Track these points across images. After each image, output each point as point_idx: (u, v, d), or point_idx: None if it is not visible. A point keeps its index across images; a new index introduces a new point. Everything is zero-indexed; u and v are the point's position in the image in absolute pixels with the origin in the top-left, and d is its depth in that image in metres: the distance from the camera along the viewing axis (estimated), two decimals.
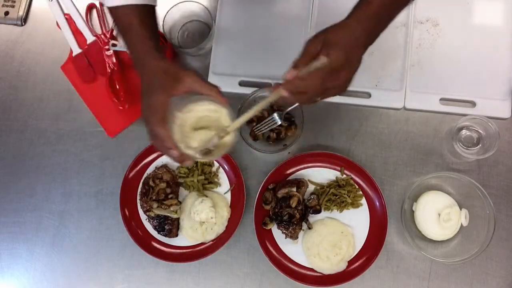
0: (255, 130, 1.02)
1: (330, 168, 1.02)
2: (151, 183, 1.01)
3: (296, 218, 0.97)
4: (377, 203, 1.00)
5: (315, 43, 0.71)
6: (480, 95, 1.04)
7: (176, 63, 0.79)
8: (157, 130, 0.76)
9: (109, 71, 1.08)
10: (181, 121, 0.78)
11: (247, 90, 1.05)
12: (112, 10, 0.82)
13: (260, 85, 1.07)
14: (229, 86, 1.07)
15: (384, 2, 0.73)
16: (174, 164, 1.05)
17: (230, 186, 1.04)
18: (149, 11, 0.83)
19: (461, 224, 0.96)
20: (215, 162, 1.04)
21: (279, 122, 1.01)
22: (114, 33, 1.11)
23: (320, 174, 1.02)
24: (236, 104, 1.04)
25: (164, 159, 1.05)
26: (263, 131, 1.02)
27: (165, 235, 1.00)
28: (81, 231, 1.05)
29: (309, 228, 1.00)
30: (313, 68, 0.70)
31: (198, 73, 0.79)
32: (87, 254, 1.04)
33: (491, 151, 0.96)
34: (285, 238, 0.99)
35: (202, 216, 0.98)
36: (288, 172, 1.03)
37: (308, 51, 0.71)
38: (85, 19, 1.12)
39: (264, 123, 1.01)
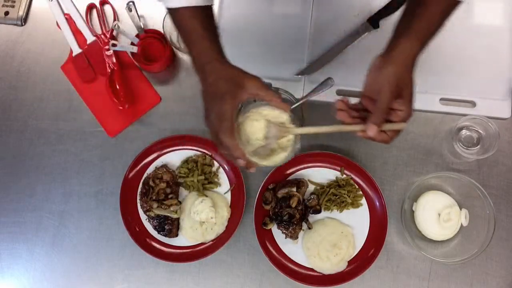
0: None
1: (330, 168, 1.02)
2: (151, 183, 1.01)
3: (296, 218, 0.97)
4: (377, 203, 1.00)
5: (390, 95, 0.71)
6: (480, 95, 1.04)
7: (240, 68, 0.77)
8: (225, 140, 0.74)
9: (109, 71, 1.08)
10: (247, 127, 0.79)
11: None
12: (171, 11, 0.80)
13: None
14: None
15: (437, 12, 0.73)
16: (174, 164, 1.05)
17: (230, 186, 1.04)
18: (208, 12, 0.81)
19: (461, 224, 0.97)
20: (215, 162, 1.04)
21: None
22: (114, 33, 1.11)
23: (320, 174, 1.03)
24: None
25: (164, 159, 1.05)
26: None
27: (165, 235, 1.00)
28: (81, 231, 1.05)
29: (309, 228, 1.00)
30: (394, 128, 0.73)
31: (260, 79, 0.77)
32: (87, 254, 1.04)
33: (491, 151, 0.96)
34: (285, 238, 0.99)
35: (202, 216, 0.98)
36: (288, 172, 1.03)
37: (386, 106, 0.72)
38: (85, 19, 1.12)
39: None
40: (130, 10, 1.07)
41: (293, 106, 1.00)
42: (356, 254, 0.99)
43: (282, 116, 0.79)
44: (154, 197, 1.00)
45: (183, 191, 1.04)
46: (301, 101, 0.99)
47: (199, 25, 0.78)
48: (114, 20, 1.12)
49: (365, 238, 0.99)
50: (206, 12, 0.80)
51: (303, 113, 1.00)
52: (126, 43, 1.08)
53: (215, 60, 0.77)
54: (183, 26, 0.80)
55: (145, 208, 1.01)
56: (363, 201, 1.01)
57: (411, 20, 0.73)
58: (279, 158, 0.81)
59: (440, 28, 0.75)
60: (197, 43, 0.78)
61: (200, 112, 1.08)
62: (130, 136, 1.08)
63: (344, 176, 1.02)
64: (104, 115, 1.09)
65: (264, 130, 0.78)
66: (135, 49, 1.06)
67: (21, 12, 1.15)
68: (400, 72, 0.72)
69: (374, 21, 1.07)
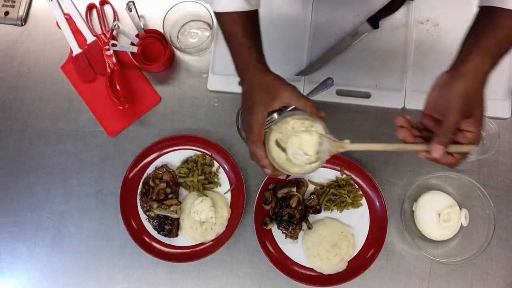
0: None
1: (330, 168, 1.02)
2: (151, 183, 1.01)
3: (296, 218, 0.97)
4: (377, 203, 1.00)
5: (458, 114, 0.65)
6: None
7: (277, 76, 0.78)
8: (253, 149, 0.75)
9: (109, 71, 1.08)
10: (277, 135, 0.77)
11: None
12: (217, 15, 0.80)
13: None
14: (229, 86, 1.07)
15: (510, 26, 0.67)
16: (174, 164, 1.05)
17: (230, 186, 1.04)
18: (253, 17, 0.80)
19: (461, 224, 0.97)
20: (215, 162, 1.04)
21: None
22: (114, 33, 1.11)
23: (320, 174, 1.02)
24: (236, 104, 1.04)
25: (164, 159, 1.05)
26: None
27: (165, 235, 1.00)
28: (81, 231, 1.05)
29: (309, 228, 1.00)
30: (461, 151, 0.68)
31: (295, 88, 0.77)
32: (87, 254, 1.04)
33: (491, 151, 0.96)
34: (285, 238, 0.99)
35: (202, 216, 0.98)
36: None
37: (453, 126, 0.66)
38: (85, 19, 1.12)
39: None
40: (130, 10, 1.07)
41: (293, 106, 1.00)
42: (356, 254, 0.99)
43: (316, 125, 0.76)
44: (154, 197, 1.00)
45: (183, 191, 1.04)
46: None
47: (241, 31, 0.78)
48: (114, 20, 1.12)
49: (365, 238, 0.99)
50: (250, 17, 0.79)
51: None
52: (126, 43, 1.08)
53: (252, 68, 0.77)
54: (225, 31, 0.80)
55: (145, 208, 1.01)
56: (363, 201, 1.01)
57: (481, 35, 0.68)
58: (311, 167, 0.76)
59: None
60: (237, 49, 0.79)
61: (200, 112, 1.09)
62: (130, 136, 1.08)
63: (344, 176, 1.02)
64: (104, 115, 1.09)
65: (317, 145, 0.75)
66: (135, 49, 1.06)
67: (21, 12, 1.15)
68: (471, 89, 0.66)
69: (374, 21, 1.07)
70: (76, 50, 1.11)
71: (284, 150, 0.76)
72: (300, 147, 0.75)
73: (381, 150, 0.74)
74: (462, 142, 0.68)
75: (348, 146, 0.74)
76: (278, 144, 0.77)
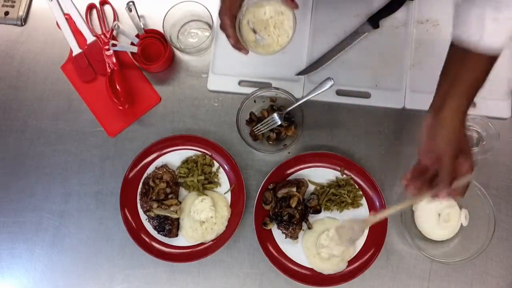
0: (255, 130, 1.02)
1: (330, 168, 1.02)
2: (151, 183, 1.01)
3: (296, 218, 0.97)
4: (377, 203, 1.00)
5: (452, 159, 0.75)
6: (480, 95, 1.03)
7: None
8: (222, 18, 0.84)
9: (109, 71, 1.08)
10: (250, 17, 0.87)
11: (247, 90, 1.05)
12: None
13: (260, 85, 1.07)
14: (229, 86, 1.08)
15: (479, 70, 0.75)
16: (174, 164, 1.05)
17: (230, 186, 1.04)
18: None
19: (461, 224, 0.97)
20: (215, 162, 1.04)
21: (279, 122, 1.01)
22: (114, 33, 1.11)
23: (320, 174, 1.02)
24: (236, 104, 1.04)
25: (164, 159, 1.05)
26: (263, 131, 1.02)
27: (165, 235, 1.00)
28: (81, 231, 1.05)
29: (309, 228, 1.00)
30: (463, 183, 0.77)
31: None
32: (87, 254, 1.04)
33: (491, 151, 0.96)
34: (285, 238, 0.99)
35: (202, 216, 0.98)
36: (288, 172, 1.03)
37: (451, 170, 0.75)
38: (85, 19, 1.12)
39: (264, 123, 1.01)
40: (130, 10, 1.07)
41: (293, 106, 1.00)
42: (356, 254, 0.99)
43: (288, 14, 0.88)
44: (154, 197, 1.00)
45: (183, 191, 1.04)
46: (301, 101, 0.99)
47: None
48: (114, 20, 1.12)
49: (365, 238, 0.99)
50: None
51: (303, 113, 1.00)
52: (126, 43, 1.08)
53: None
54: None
55: (145, 208, 1.01)
56: (363, 201, 1.01)
57: (455, 78, 0.75)
58: (274, 50, 0.90)
59: (484, 83, 0.76)
60: None
61: (200, 112, 1.09)
62: (130, 136, 1.08)
63: (344, 176, 1.02)
64: (104, 115, 1.09)
65: (350, 233, 0.87)
66: (135, 49, 1.06)
67: (21, 12, 1.15)
68: (456, 132, 0.75)
69: (374, 21, 1.07)
70: (76, 50, 1.11)
71: (254, 31, 0.88)
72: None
73: (398, 211, 0.84)
74: (460, 177, 0.76)
75: (373, 219, 0.84)
76: (249, 25, 0.87)
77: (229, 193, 1.03)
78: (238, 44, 0.86)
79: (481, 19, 0.71)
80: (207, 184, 1.03)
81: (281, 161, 1.02)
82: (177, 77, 1.11)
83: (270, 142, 1.04)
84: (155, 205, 0.99)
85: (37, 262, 1.04)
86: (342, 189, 1.00)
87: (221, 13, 0.84)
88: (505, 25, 0.71)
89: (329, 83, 0.98)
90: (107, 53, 1.08)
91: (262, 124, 1.01)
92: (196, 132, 1.06)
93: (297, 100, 1.00)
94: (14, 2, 1.15)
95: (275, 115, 1.01)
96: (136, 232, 1.01)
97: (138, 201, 1.03)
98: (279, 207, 0.98)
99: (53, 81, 1.12)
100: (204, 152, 1.05)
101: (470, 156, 0.77)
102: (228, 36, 0.86)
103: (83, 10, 1.13)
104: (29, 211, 1.06)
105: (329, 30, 1.09)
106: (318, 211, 1.00)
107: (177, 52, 1.11)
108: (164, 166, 1.03)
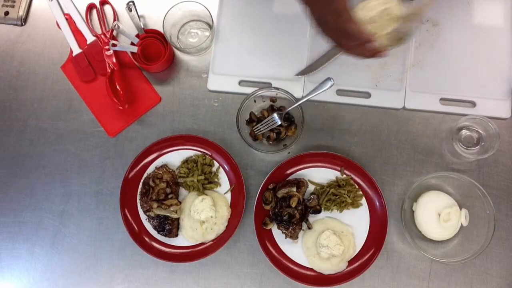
0: (255, 130, 1.02)
1: (330, 168, 1.02)
2: (151, 183, 1.01)
3: (296, 218, 0.97)
4: (377, 203, 1.00)
5: None
6: (480, 95, 1.04)
7: None
8: (350, 27, 0.72)
9: (109, 71, 1.08)
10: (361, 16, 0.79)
11: (247, 90, 1.05)
12: None
13: (260, 85, 1.07)
14: (229, 86, 1.08)
15: None
16: (174, 164, 1.05)
17: (230, 186, 1.04)
18: None
19: (461, 224, 0.97)
20: (215, 162, 1.04)
21: (279, 122, 1.01)
22: (114, 33, 1.11)
23: (320, 174, 1.03)
24: (236, 104, 1.04)
25: (164, 159, 1.05)
26: (263, 131, 1.02)
27: (165, 235, 1.00)
28: (81, 231, 1.05)
29: (309, 228, 1.00)
30: None
31: None
32: (87, 254, 1.04)
33: (491, 151, 0.96)
34: (285, 238, 0.99)
35: (202, 215, 0.98)
36: (288, 172, 1.03)
37: None
38: (85, 19, 1.12)
39: (264, 123, 1.01)
40: (130, 10, 1.07)
41: (293, 106, 1.00)
42: (356, 254, 0.99)
43: (391, 1, 0.79)
44: (154, 197, 1.00)
45: (183, 191, 1.04)
46: (301, 101, 0.99)
47: None
48: (114, 20, 1.12)
49: (365, 238, 0.99)
50: None
51: (303, 113, 1.00)
52: (126, 43, 1.08)
53: None
54: None
55: (145, 208, 1.01)
56: (363, 201, 1.01)
57: None
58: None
59: None
60: None
61: (200, 112, 1.09)
62: (130, 136, 1.08)
63: (344, 176, 1.02)
64: (104, 115, 1.10)
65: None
66: (135, 49, 1.06)
67: (21, 12, 1.15)
68: None
69: None
70: (76, 50, 1.11)
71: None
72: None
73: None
74: None
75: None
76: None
77: (229, 193, 1.03)
78: (379, 48, 0.77)
79: None
80: (207, 184, 1.03)
81: (281, 161, 1.02)
82: (177, 77, 1.11)
83: (270, 142, 1.04)
84: (155, 205, 0.99)
85: (37, 262, 1.04)
86: (342, 189, 1.00)
87: (344, 24, 0.73)
88: None
89: (329, 83, 0.98)
90: (107, 53, 1.08)
91: (262, 124, 1.02)
92: (196, 132, 1.06)
93: (297, 100, 1.00)
94: (14, 2, 1.15)
95: (275, 115, 1.01)
96: (136, 232, 1.01)
97: (138, 201, 1.03)
98: (279, 207, 0.98)
99: (53, 81, 1.12)
100: (204, 152, 1.05)
101: None
102: (367, 42, 0.75)
103: (83, 10, 1.13)
104: (29, 211, 1.06)
105: None
106: (318, 211, 1.00)
107: (177, 52, 1.11)
108: (164, 166, 1.03)
